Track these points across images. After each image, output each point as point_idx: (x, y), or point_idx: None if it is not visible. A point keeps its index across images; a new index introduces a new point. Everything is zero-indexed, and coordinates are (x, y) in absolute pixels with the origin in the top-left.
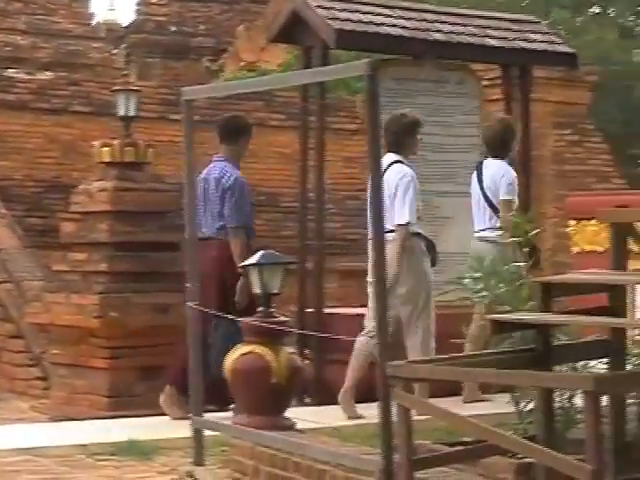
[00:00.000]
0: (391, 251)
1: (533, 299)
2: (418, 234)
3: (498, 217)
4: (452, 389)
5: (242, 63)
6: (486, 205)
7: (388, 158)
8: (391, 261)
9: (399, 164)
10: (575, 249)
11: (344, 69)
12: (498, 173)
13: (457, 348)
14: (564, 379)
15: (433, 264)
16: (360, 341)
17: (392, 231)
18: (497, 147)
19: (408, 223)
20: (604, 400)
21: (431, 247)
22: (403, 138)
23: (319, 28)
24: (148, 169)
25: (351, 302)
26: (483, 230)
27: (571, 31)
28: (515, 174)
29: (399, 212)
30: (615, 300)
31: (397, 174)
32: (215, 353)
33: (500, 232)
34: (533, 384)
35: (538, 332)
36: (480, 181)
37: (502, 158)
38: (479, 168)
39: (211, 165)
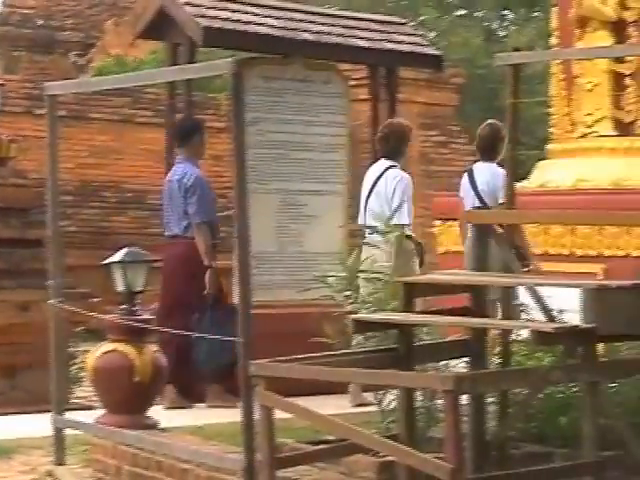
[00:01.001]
0: (386, 252)
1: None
2: (409, 236)
3: None
4: (331, 387)
5: (110, 58)
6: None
7: (382, 164)
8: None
9: (394, 169)
10: (441, 249)
11: (209, 67)
12: (495, 176)
13: (322, 346)
14: (424, 379)
15: (421, 265)
16: None
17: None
18: (487, 150)
19: (404, 225)
20: (465, 399)
21: (420, 249)
22: (400, 145)
23: (186, 25)
24: (11, 164)
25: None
26: None
27: (439, 33)
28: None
29: (398, 214)
30: (476, 300)
31: (394, 178)
32: (210, 343)
33: None
34: (393, 384)
35: (400, 332)
36: (474, 185)
37: (492, 161)
38: (470, 172)
39: (174, 167)
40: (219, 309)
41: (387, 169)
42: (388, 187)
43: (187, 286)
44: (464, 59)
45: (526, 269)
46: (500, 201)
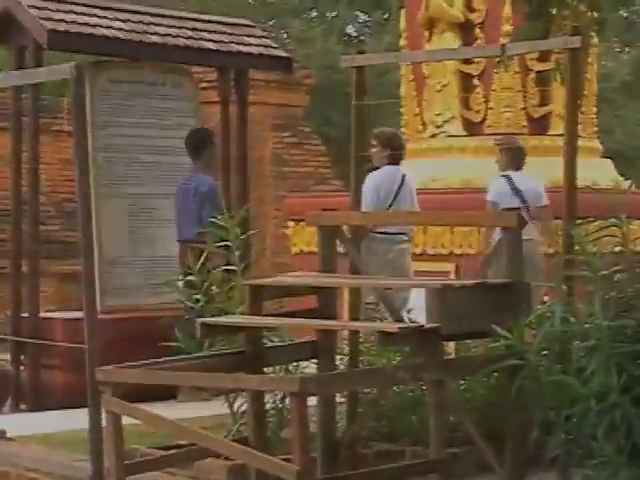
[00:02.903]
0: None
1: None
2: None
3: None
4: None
5: None
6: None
7: (399, 169)
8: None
9: (408, 174)
10: (294, 250)
11: (51, 72)
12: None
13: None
14: (270, 381)
15: None
16: None
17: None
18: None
19: None
20: (315, 400)
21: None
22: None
23: (31, 28)
24: None
25: (71, 306)
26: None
27: (294, 35)
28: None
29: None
30: (324, 302)
31: (413, 182)
32: None
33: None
34: (241, 387)
35: (247, 334)
36: (516, 189)
37: (521, 169)
38: (509, 179)
39: (189, 176)
40: None
41: (405, 174)
42: (413, 191)
43: None
44: (322, 62)
45: None
46: (545, 204)
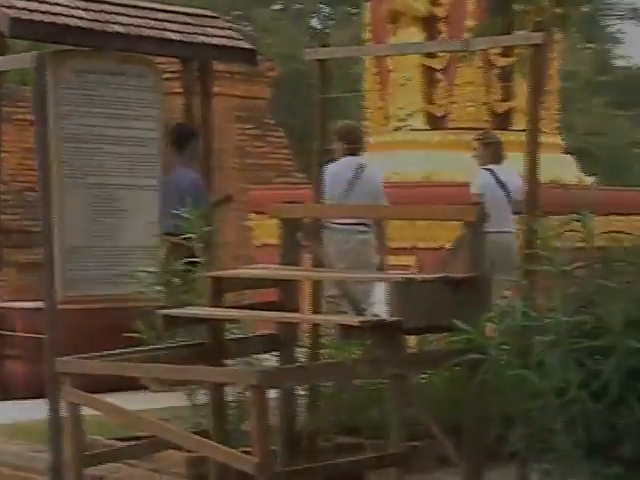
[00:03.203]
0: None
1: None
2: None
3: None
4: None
5: None
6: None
7: (356, 160)
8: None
9: (371, 166)
10: (257, 242)
11: (12, 61)
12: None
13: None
14: (230, 374)
15: None
16: None
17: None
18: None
19: None
20: (275, 392)
21: None
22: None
23: None
24: None
25: (32, 295)
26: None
27: (259, 26)
28: None
29: None
30: (285, 295)
31: (379, 174)
32: None
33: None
34: (201, 379)
35: (208, 327)
36: (501, 182)
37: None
38: (492, 172)
39: (174, 170)
40: None
41: (364, 165)
42: (377, 183)
43: None
44: (286, 54)
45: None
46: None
